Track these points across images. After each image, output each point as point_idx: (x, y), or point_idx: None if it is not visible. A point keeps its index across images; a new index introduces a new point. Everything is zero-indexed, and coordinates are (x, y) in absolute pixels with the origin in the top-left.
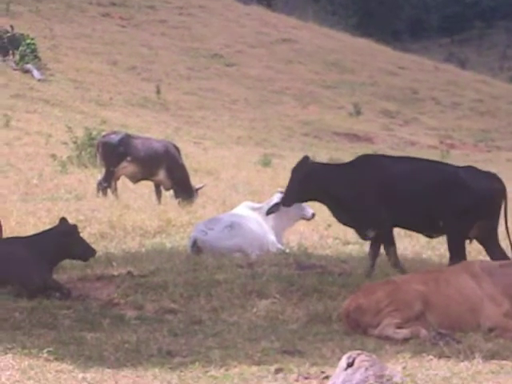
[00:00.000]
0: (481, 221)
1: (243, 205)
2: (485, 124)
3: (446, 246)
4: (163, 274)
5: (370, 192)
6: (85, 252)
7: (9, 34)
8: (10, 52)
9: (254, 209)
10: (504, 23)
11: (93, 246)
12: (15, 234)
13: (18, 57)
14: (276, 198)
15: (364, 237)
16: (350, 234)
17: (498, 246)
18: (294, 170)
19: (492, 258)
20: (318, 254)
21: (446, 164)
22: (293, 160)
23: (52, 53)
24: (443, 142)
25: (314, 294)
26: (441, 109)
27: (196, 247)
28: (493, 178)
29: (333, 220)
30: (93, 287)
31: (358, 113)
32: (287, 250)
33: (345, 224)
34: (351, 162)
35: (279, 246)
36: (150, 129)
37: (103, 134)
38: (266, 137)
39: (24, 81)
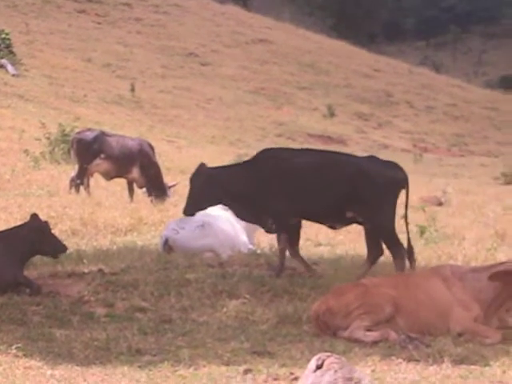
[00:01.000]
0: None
1: None
2: (458, 128)
3: (416, 250)
4: (134, 273)
5: (274, 185)
6: (56, 248)
7: None
8: None
9: (225, 209)
10: (479, 28)
11: (64, 242)
12: None
13: None
14: None
15: (270, 230)
16: (322, 235)
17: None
18: (192, 179)
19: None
20: (288, 255)
21: (348, 154)
22: None
23: (27, 48)
24: (416, 145)
25: (284, 295)
26: (415, 112)
27: (167, 246)
28: (395, 167)
29: (305, 222)
30: (63, 284)
31: (332, 115)
32: (258, 251)
33: (249, 221)
34: (253, 158)
35: (250, 246)
36: (123, 126)
37: (78, 130)
38: (239, 137)
39: None
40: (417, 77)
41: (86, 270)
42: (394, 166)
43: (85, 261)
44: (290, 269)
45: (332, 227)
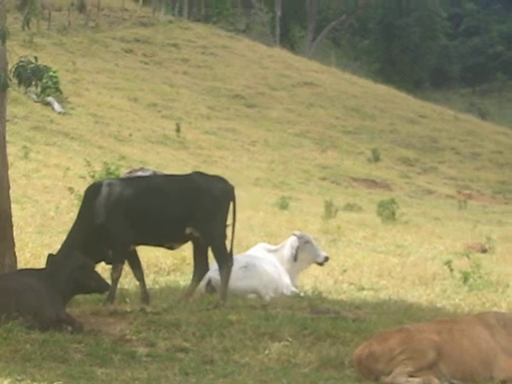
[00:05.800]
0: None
1: (259, 246)
2: (503, 176)
3: (460, 296)
4: (176, 312)
5: (114, 216)
6: (98, 286)
7: (32, 65)
8: (33, 83)
9: (269, 250)
10: None
11: (107, 281)
12: (30, 266)
13: (39, 89)
14: (292, 241)
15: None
16: (365, 280)
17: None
18: None
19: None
20: (332, 298)
21: (177, 175)
22: (310, 203)
23: (73, 86)
24: (461, 192)
25: (326, 338)
26: (460, 159)
27: (210, 287)
28: (223, 181)
29: (348, 265)
30: (105, 322)
31: (377, 159)
32: (301, 294)
33: (94, 258)
34: (84, 200)
35: (294, 288)
36: (167, 166)
37: (130, 169)
38: (284, 179)
39: (44, 113)
40: (462, 123)
41: (128, 309)
42: (220, 180)
43: (127, 300)
44: (334, 312)
45: (170, 248)
